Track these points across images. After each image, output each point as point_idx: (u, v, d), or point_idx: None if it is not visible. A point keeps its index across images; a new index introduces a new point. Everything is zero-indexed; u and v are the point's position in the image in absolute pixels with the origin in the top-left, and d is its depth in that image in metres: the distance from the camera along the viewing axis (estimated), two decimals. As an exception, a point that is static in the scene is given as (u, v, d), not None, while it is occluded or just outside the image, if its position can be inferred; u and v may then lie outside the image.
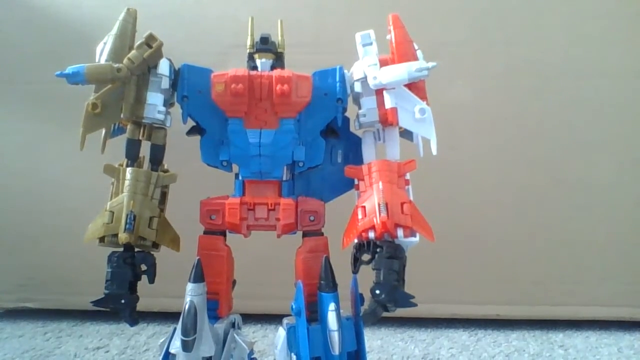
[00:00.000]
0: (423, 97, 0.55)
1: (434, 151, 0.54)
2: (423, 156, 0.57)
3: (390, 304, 0.51)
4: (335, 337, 0.50)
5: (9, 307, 1.06)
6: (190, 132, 0.57)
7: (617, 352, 0.89)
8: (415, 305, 0.51)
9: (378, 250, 0.51)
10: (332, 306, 0.51)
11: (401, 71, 0.53)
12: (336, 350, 0.50)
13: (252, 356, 0.56)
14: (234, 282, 0.58)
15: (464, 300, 0.99)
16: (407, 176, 0.55)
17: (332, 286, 0.52)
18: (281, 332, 0.54)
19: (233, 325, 0.57)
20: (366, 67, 0.54)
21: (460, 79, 0.96)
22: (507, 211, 0.98)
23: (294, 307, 0.51)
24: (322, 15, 0.98)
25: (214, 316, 0.54)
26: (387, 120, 0.54)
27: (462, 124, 0.95)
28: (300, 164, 0.56)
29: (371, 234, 0.51)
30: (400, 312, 0.51)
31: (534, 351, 0.89)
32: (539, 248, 0.98)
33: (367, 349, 0.54)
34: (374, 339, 0.93)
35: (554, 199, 0.98)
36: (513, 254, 0.98)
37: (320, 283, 0.52)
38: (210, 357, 0.51)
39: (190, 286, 0.50)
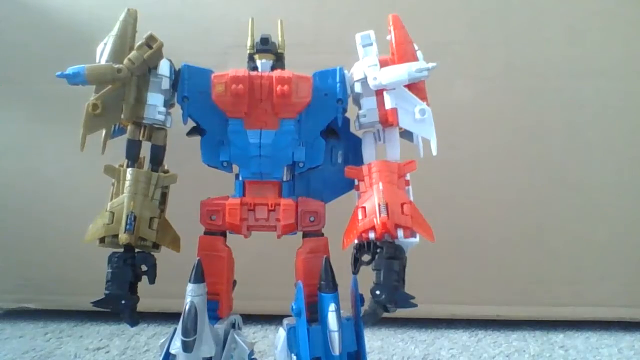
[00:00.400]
0: (423, 97, 0.55)
1: (434, 152, 0.54)
2: (423, 157, 0.57)
3: (391, 305, 0.51)
4: (336, 337, 0.50)
5: (9, 307, 1.06)
6: (191, 132, 0.57)
7: (618, 352, 0.89)
8: (415, 305, 0.51)
9: (378, 250, 0.51)
10: (332, 307, 0.51)
11: (401, 72, 0.53)
12: (336, 351, 0.50)
13: (253, 357, 0.56)
14: (234, 282, 0.58)
15: (464, 301, 0.99)
16: (407, 177, 0.55)
17: (332, 287, 0.52)
18: (281, 333, 0.54)
19: (233, 325, 0.57)
20: (366, 68, 0.54)
21: (460, 79, 0.96)
22: (507, 211, 0.98)
23: (294, 307, 0.51)
24: (322, 15, 0.98)
25: (214, 317, 0.54)
26: (387, 120, 0.54)
27: (462, 124, 0.95)
28: (301, 165, 0.56)
29: (371, 235, 0.51)
30: (401, 312, 0.51)
31: (534, 352, 0.89)
32: (539, 248, 0.98)
33: (367, 350, 0.54)
34: (374, 340, 0.93)
35: (553, 199, 0.98)
36: (513, 254, 0.98)
37: (321, 283, 0.52)
38: (211, 357, 0.51)
39: (190, 287, 0.50)
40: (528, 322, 1.00)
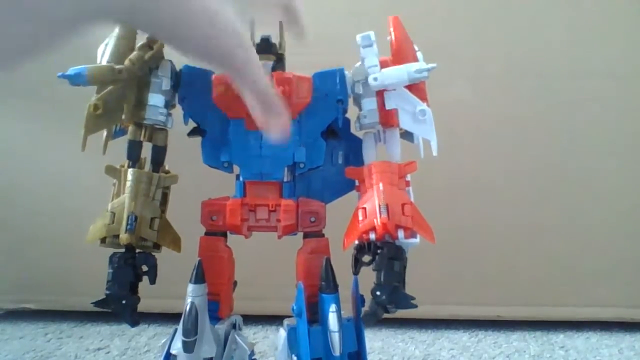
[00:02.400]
0: (423, 98, 0.55)
1: (435, 152, 0.54)
2: (424, 157, 0.57)
3: (391, 305, 0.50)
4: (336, 338, 0.50)
5: (9, 308, 1.06)
6: (192, 133, 0.57)
7: (618, 353, 0.89)
8: (415, 306, 0.50)
9: (379, 251, 0.51)
10: (332, 307, 0.51)
11: (401, 72, 0.53)
12: (337, 352, 0.50)
13: (253, 357, 0.56)
14: (235, 283, 0.58)
15: (464, 301, 0.99)
16: (408, 177, 0.55)
17: (333, 287, 0.51)
18: (282, 333, 0.54)
19: (234, 326, 0.57)
20: (366, 69, 0.54)
21: (460, 79, 0.96)
22: (507, 211, 0.98)
23: (294, 308, 0.51)
24: (322, 16, 0.98)
25: (215, 317, 0.54)
26: (387, 121, 0.54)
27: (462, 125, 0.95)
28: (301, 165, 0.56)
29: (372, 235, 0.51)
30: (401, 313, 0.51)
31: (535, 352, 0.89)
32: (539, 248, 0.98)
33: (367, 350, 0.54)
34: (375, 340, 0.93)
35: (554, 199, 0.98)
36: (513, 254, 0.98)
37: (321, 284, 0.52)
38: (211, 358, 0.51)
39: (191, 287, 0.50)
40: (528, 322, 1.00)
